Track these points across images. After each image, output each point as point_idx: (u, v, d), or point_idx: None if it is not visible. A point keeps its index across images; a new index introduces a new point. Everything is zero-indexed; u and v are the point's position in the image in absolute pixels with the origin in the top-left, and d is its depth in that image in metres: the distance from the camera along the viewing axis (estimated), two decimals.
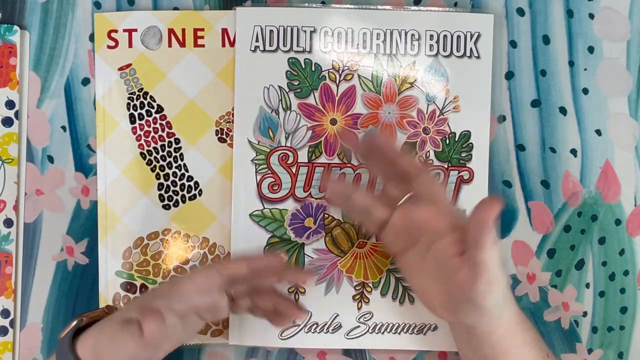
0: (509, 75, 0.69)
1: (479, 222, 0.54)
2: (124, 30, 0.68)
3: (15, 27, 0.68)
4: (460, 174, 0.68)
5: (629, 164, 0.69)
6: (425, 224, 0.59)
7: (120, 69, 0.68)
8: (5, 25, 0.68)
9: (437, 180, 0.61)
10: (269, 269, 0.62)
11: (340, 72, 0.67)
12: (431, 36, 0.67)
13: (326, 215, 0.68)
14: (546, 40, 0.69)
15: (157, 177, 0.68)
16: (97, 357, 0.57)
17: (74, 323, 0.59)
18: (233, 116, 0.68)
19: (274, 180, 0.67)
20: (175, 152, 0.68)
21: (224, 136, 0.68)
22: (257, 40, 0.67)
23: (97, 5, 0.69)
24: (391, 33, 0.67)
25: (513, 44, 0.69)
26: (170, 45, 0.68)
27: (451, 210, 0.60)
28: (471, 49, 0.67)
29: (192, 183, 0.68)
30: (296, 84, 0.67)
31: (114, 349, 0.57)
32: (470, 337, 0.59)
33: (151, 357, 0.59)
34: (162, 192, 0.68)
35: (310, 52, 0.67)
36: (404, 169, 0.60)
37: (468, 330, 0.59)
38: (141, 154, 0.68)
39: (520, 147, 0.69)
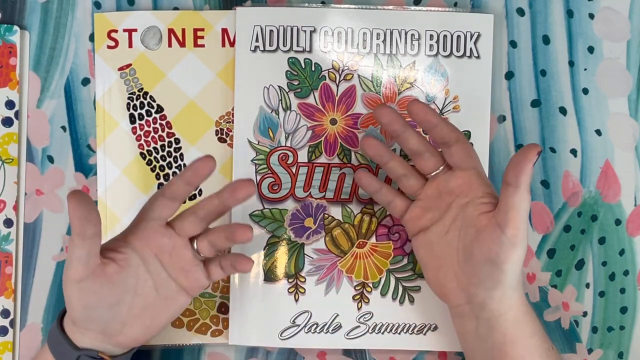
0: (509, 75, 0.69)
1: (519, 162, 0.55)
2: (124, 30, 0.68)
3: (15, 27, 0.68)
4: None
5: (629, 164, 0.69)
6: (460, 189, 0.60)
7: (120, 69, 0.68)
8: (5, 25, 0.68)
9: (472, 149, 0.61)
10: (198, 172, 0.58)
11: (340, 72, 0.67)
12: (431, 36, 0.67)
13: (326, 215, 0.67)
14: (546, 40, 0.69)
15: (157, 177, 0.68)
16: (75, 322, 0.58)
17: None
18: (233, 116, 0.68)
19: (274, 180, 0.67)
20: (175, 152, 0.68)
21: (224, 136, 0.68)
22: (257, 40, 0.67)
23: (97, 5, 0.69)
24: (391, 33, 0.67)
25: (513, 44, 0.69)
26: (170, 45, 0.68)
27: (485, 177, 0.61)
28: (471, 49, 0.67)
29: None
30: (296, 83, 0.67)
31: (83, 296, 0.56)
32: (479, 324, 0.59)
33: (116, 309, 0.57)
34: None
35: (310, 52, 0.67)
36: (442, 136, 0.60)
37: (477, 314, 0.58)
38: (141, 154, 0.68)
39: (520, 147, 0.69)
